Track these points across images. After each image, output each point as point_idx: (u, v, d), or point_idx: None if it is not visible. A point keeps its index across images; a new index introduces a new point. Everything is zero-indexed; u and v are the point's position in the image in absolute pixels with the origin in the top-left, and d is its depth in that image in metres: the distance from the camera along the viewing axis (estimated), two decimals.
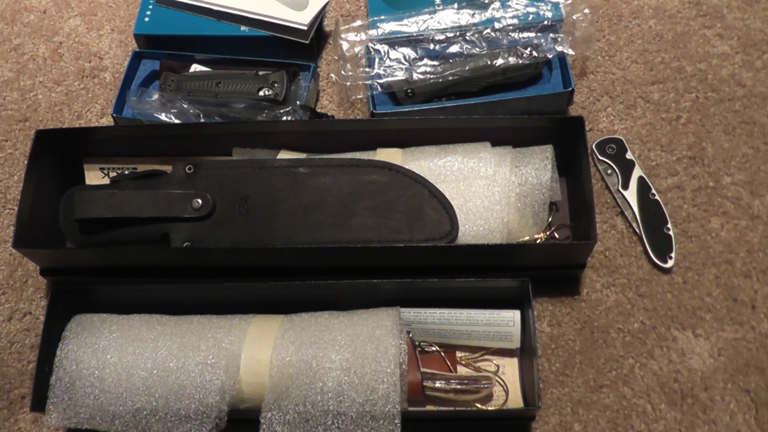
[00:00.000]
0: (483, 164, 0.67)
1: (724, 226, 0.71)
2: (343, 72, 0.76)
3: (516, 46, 0.75)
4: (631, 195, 0.72)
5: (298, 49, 0.80)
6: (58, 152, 0.71)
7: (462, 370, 0.64)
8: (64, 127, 0.81)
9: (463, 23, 0.78)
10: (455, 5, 0.79)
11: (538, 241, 0.67)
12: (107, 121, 0.81)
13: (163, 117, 0.75)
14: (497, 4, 0.78)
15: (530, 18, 0.77)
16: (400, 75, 0.75)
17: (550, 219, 0.68)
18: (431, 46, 0.77)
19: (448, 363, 0.64)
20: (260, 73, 0.77)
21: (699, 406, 0.63)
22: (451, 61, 0.76)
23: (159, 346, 0.59)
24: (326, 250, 0.64)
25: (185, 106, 0.75)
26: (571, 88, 0.74)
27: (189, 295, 0.65)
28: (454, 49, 0.76)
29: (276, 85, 0.76)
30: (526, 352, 0.62)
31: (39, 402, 0.59)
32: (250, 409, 0.58)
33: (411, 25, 0.78)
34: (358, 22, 0.79)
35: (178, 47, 0.81)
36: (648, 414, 0.63)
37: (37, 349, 0.64)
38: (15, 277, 0.72)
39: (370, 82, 0.75)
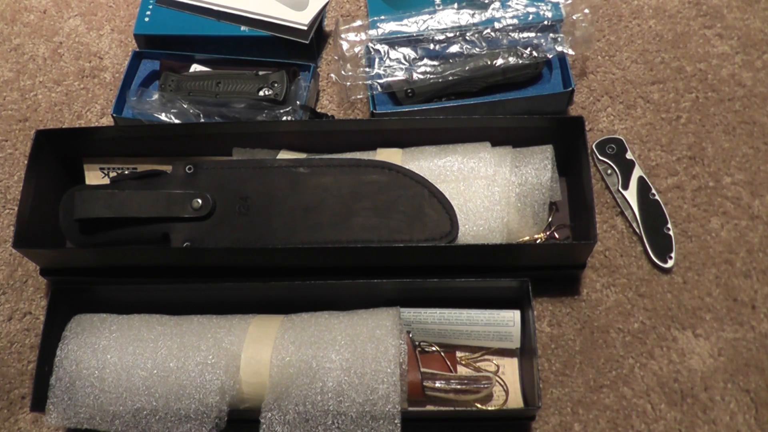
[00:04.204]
0: (483, 164, 0.67)
1: (724, 226, 0.71)
2: (343, 72, 0.76)
3: (516, 46, 0.75)
4: (631, 195, 0.72)
5: (298, 49, 0.80)
6: (58, 152, 0.71)
7: (462, 370, 0.64)
8: (64, 127, 0.81)
9: (463, 23, 0.78)
10: (455, 5, 0.79)
11: (538, 241, 0.67)
12: (107, 121, 0.81)
13: (163, 117, 0.75)
14: (497, 4, 0.78)
15: (530, 18, 0.77)
16: (400, 75, 0.75)
17: (550, 219, 0.68)
18: (431, 46, 0.77)
19: (448, 363, 0.64)
20: (260, 73, 0.77)
21: (699, 406, 0.63)
22: (451, 61, 0.76)
23: (159, 346, 0.59)
24: (326, 250, 0.64)
25: (185, 106, 0.75)
26: (571, 88, 0.74)
27: (189, 295, 0.65)
28: (454, 49, 0.76)
29: (276, 85, 0.76)
30: (526, 352, 0.62)
31: (39, 402, 0.59)
32: (250, 409, 0.58)
33: (411, 25, 0.78)
34: (358, 22, 0.79)
35: (178, 47, 0.81)
36: (648, 414, 0.63)
37: (37, 349, 0.64)
38: (15, 277, 0.72)
39: (370, 82, 0.75)
